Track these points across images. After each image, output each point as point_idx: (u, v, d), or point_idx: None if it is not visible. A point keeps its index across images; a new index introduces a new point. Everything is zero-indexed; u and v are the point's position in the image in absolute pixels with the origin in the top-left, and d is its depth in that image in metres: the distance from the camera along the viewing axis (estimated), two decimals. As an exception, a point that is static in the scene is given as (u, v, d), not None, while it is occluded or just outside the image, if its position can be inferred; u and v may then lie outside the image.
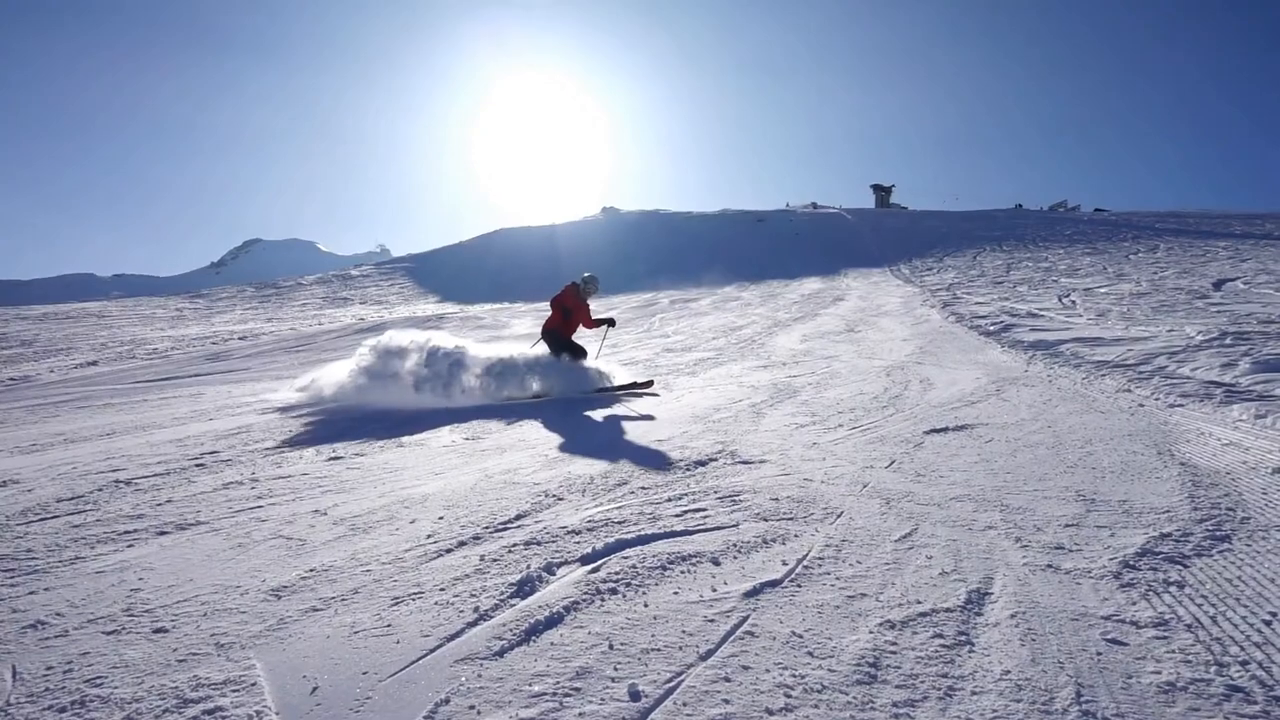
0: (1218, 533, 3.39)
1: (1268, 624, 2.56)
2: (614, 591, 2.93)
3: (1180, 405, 6.03)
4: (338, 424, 6.52)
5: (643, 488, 4.28)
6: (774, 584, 2.98)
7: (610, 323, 9.56)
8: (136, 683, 2.37)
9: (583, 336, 9.31)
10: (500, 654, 2.48)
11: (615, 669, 2.37)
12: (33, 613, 2.87)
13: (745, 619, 2.69)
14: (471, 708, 2.19)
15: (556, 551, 3.34)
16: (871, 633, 2.58)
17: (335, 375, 8.53)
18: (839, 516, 3.76)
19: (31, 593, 3.05)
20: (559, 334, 9.05)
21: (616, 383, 8.66)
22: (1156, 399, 6.31)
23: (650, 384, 8.60)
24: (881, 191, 63.17)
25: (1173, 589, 2.86)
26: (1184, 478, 4.20)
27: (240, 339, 15.67)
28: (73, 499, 4.28)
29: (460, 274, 34.66)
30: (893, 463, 4.73)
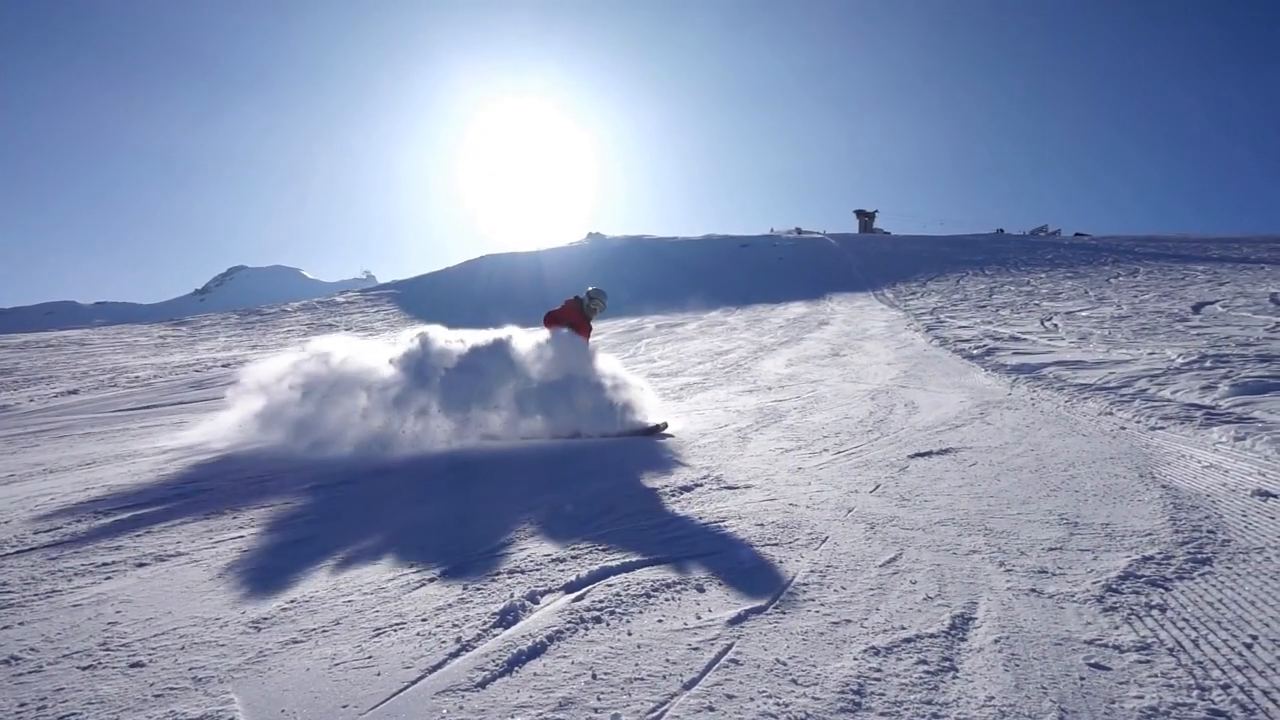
0: (1199, 555, 3.41)
1: (1249, 647, 2.58)
2: (598, 620, 2.92)
3: (1161, 428, 6.08)
4: (310, 455, 6.46)
5: (627, 514, 4.27)
6: (758, 611, 2.97)
7: None
8: (111, 719, 2.33)
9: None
10: (482, 685, 2.45)
11: (599, 699, 2.35)
12: (7, 648, 2.82)
13: (729, 646, 2.68)
14: (453, 741, 2.17)
15: (540, 579, 3.32)
16: (856, 659, 2.58)
17: (230, 422, 7.31)
18: (824, 542, 3.76)
19: (6, 627, 3.00)
20: None
21: (638, 418, 7.18)
22: (1138, 422, 6.37)
23: (665, 425, 7.09)
24: (864, 216, 63.72)
25: (1155, 612, 2.88)
26: (1165, 500, 4.23)
27: (224, 366, 15.55)
28: (50, 531, 4.22)
29: (446, 300, 34.59)
30: (877, 487, 4.74)
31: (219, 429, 7.31)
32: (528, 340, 7.68)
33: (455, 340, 7.58)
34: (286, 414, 6.94)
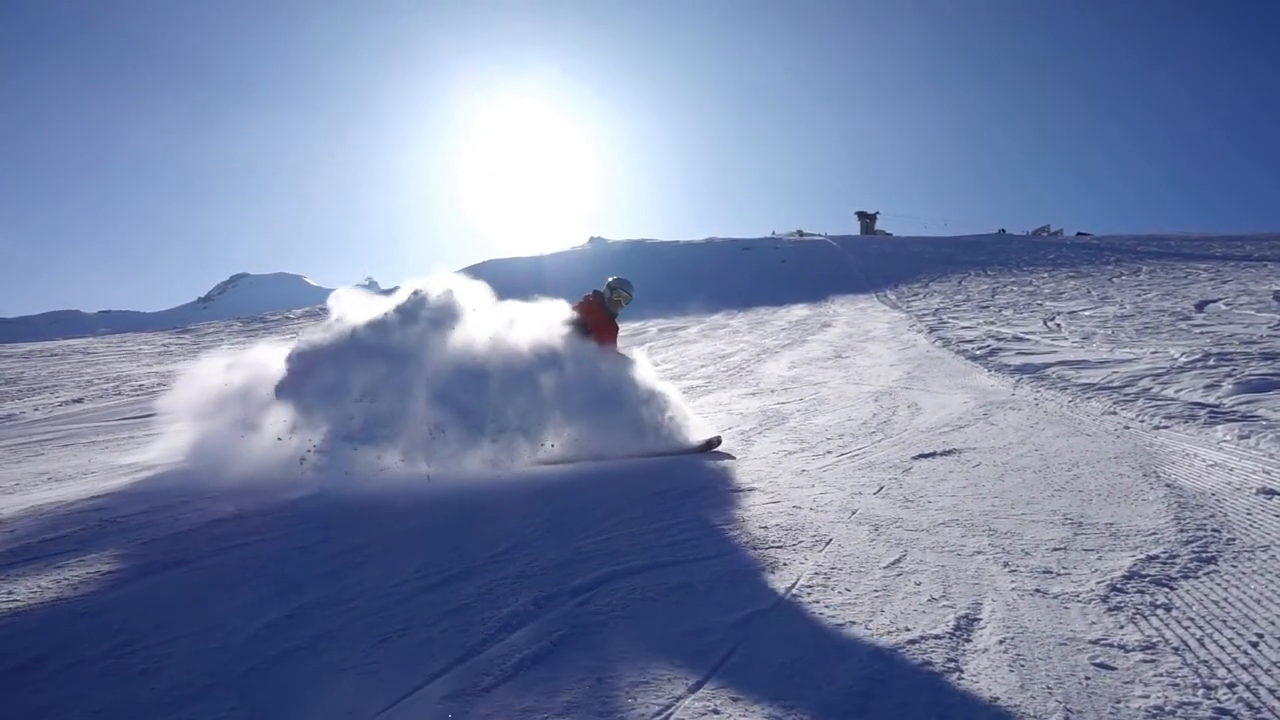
0: (1204, 554, 3.41)
1: (1254, 645, 2.58)
2: (603, 624, 2.92)
3: (1165, 427, 6.07)
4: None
5: (632, 518, 4.27)
6: (763, 613, 2.98)
7: None
8: (119, 726, 2.33)
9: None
10: (487, 690, 2.46)
11: (604, 703, 2.35)
12: (14, 658, 2.82)
13: (735, 649, 2.68)
14: (459, 746, 2.17)
15: (545, 584, 3.32)
16: (861, 661, 2.58)
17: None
18: (828, 544, 3.76)
19: (13, 636, 3.01)
20: None
21: (685, 435, 6.12)
22: (1142, 421, 6.36)
23: (718, 440, 6.16)
24: (866, 218, 63.67)
25: (1160, 612, 2.88)
26: (1170, 499, 4.22)
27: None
28: (56, 539, 4.23)
29: (449, 305, 34.60)
30: (881, 489, 4.74)
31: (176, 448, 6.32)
32: (495, 308, 6.07)
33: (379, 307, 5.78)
34: (205, 444, 5.77)
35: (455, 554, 3.77)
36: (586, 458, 5.83)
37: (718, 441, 6.14)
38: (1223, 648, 2.58)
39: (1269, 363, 7.92)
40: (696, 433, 6.24)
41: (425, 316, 5.68)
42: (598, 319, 6.71)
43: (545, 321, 6.21)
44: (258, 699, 2.47)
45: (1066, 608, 2.94)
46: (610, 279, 7.07)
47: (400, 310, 5.69)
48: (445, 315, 5.74)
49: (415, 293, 5.83)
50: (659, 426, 6.07)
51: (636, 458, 5.91)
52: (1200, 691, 2.32)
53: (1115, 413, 6.78)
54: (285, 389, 5.43)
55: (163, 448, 6.58)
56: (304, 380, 5.39)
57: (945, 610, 2.96)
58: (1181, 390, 7.16)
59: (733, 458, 5.90)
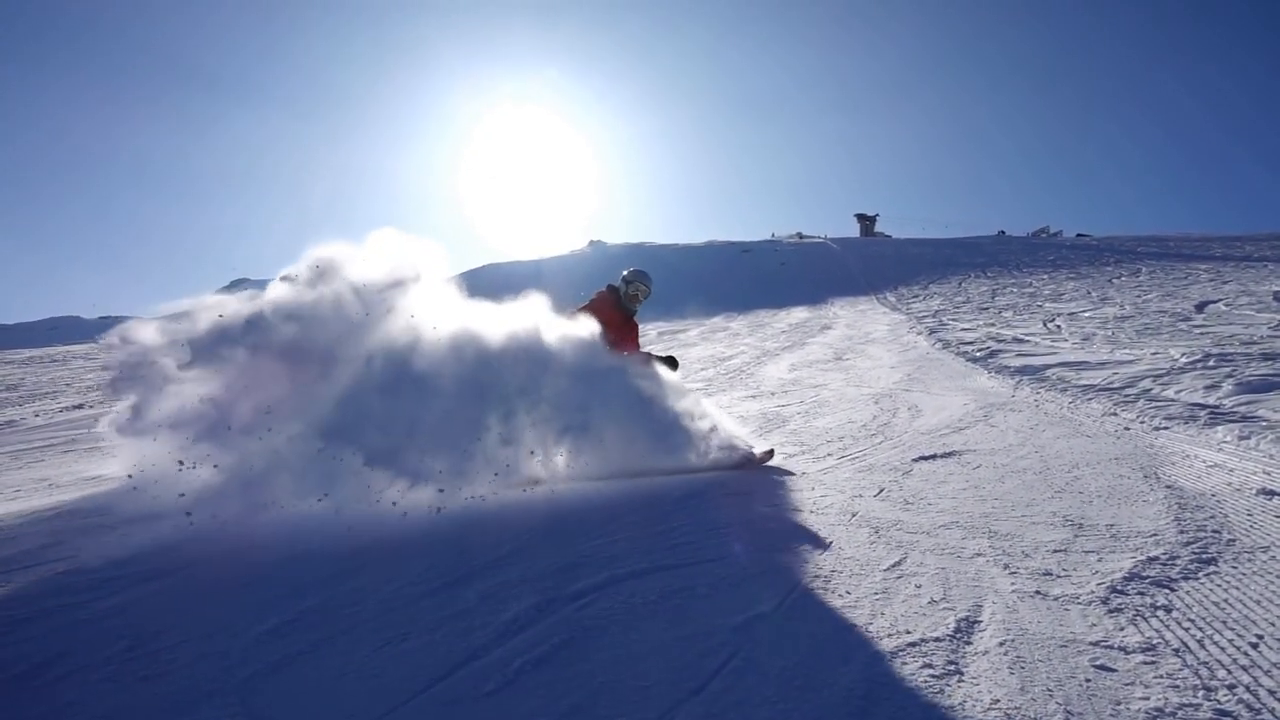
0: (1204, 555, 3.41)
1: (1254, 647, 2.58)
2: (604, 628, 2.92)
3: (1165, 428, 6.07)
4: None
5: (632, 522, 4.27)
6: (763, 617, 2.98)
7: (671, 363, 6.18)
8: (121, 733, 2.34)
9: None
10: (489, 694, 2.46)
11: (605, 708, 2.36)
12: (17, 664, 2.83)
13: (736, 653, 2.68)
14: (461, 750, 2.17)
15: (547, 588, 3.32)
16: (862, 664, 2.58)
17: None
18: (828, 547, 3.76)
19: (15, 643, 3.01)
20: None
21: (730, 446, 5.35)
22: (1142, 422, 6.36)
23: (771, 453, 5.55)
24: (865, 220, 63.77)
25: (1160, 613, 2.88)
26: (1170, 501, 4.22)
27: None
28: (56, 545, 4.23)
29: (449, 309, 34.54)
30: (881, 491, 4.74)
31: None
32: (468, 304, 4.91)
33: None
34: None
35: (455, 558, 3.77)
36: (596, 477, 5.20)
37: (769, 455, 5.51)
38: (1223, 649, 2.58)
39: (1269, 363, 7.92)
40: (741, 444, 5.53)
41: (331, 299, 4.31)
42: (614, 318, 5.98)
43: (532, 309, 5.17)
44: (259, 704, 2.48)
45: (1067, 610, 2.95)
46: (625, 271, 6.37)
47: (287, 292, 4.24)
48: (372, 293, 4.37)
49: (317, 265, 4.36)
50: (699, 442, 5.27)
51: (661, 475, 5.26)
52: (1200, 693, 2.32)
53: (1115, 414, 6.78)
54: (127, 427, 4.40)
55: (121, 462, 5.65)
56: (151, 408, 4.21)
57: (946, 613, 2.96)
58: (1182, 391, 7.16)
59: (792, 474, 5.32)
